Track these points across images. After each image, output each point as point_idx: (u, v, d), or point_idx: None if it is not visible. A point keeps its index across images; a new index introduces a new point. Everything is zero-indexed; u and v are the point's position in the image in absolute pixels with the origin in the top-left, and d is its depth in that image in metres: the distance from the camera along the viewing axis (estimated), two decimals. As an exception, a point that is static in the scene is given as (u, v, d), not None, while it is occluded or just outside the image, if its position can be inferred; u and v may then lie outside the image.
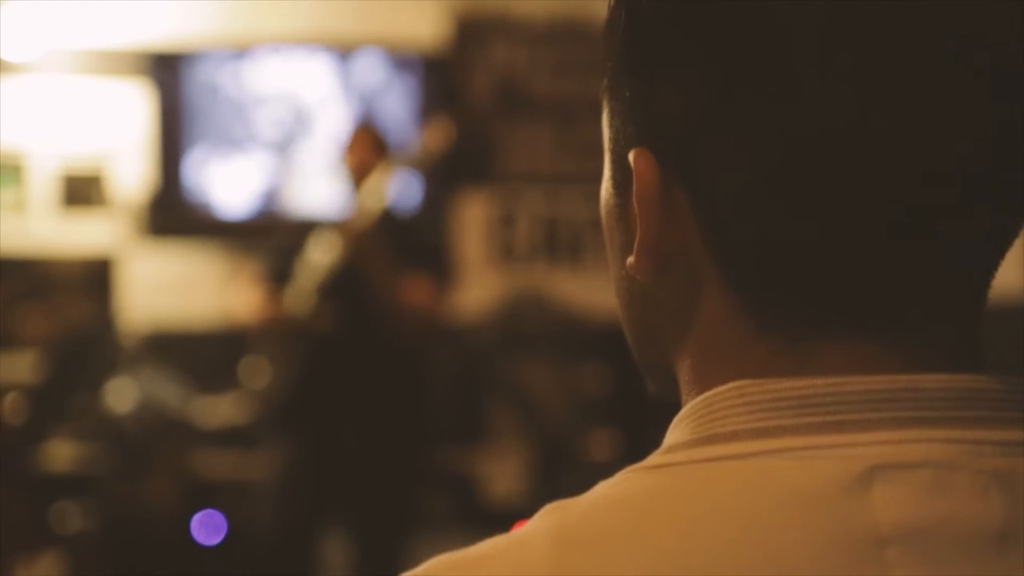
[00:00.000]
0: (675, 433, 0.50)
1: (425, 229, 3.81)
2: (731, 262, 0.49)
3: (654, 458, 0.49)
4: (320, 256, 3.34)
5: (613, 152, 0.53)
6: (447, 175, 5.12)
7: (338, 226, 3.28)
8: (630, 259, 0.51)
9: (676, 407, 0.51)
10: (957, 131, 0.45)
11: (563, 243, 5.47)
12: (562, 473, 3.67)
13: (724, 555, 0.43)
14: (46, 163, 5.08)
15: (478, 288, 4.95)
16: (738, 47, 0.46)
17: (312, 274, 3.34)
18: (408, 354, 3.36)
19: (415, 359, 3.43)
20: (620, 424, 4.76)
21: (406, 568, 0.50)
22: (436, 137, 3.24)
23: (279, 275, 3.49)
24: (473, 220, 5.33)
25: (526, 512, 0.49)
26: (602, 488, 0.48)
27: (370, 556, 3.33)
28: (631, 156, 0.50)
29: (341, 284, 3.29)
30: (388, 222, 3.28)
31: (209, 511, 4.44)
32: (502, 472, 4.77)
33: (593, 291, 5.20)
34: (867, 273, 0.47)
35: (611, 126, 0.54)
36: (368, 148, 3.38)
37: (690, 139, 0.48)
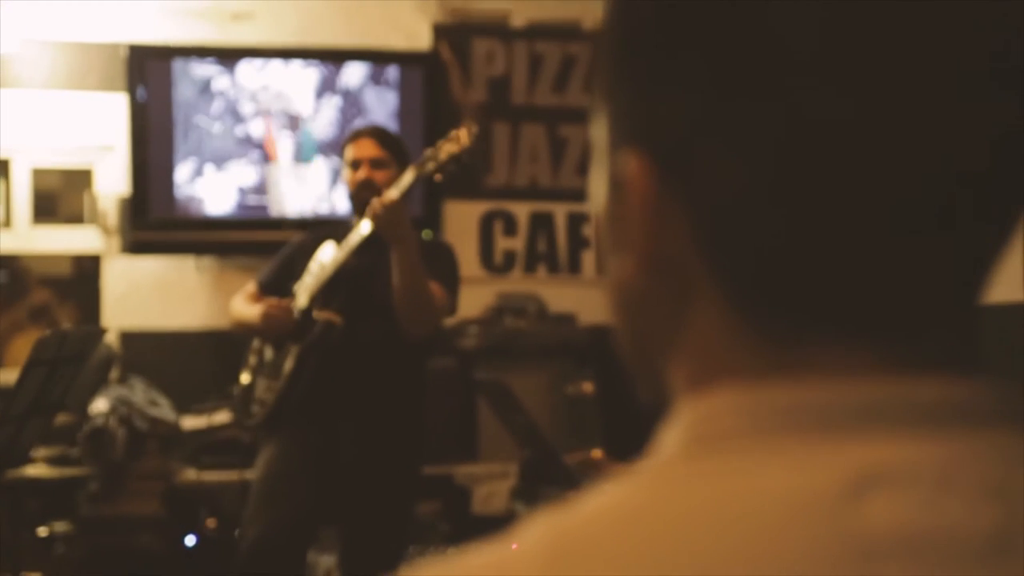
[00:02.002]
0: (666, 440, 0.49)
1: (436, 243, 3.71)
2: (725, 267, 0.48)
3: (644, 466, 0.48)
4: (329, 253, 3.32)
5: (607, 156, 0.53)
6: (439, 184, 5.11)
7: (371, 199, 3.14)
8: (623, 263, 0.51)
9: (666, 414, 0.51)
10: (954, 135, 0.45)
11: (552, 253, 5.46)
12: (551, 482, 3.67)
13: (718, 564, 0.42)
14: (28, 170, 5.06)
15: (467, 297, 4.94)
16: (735, 51, 0.46)
17: (320, 271, 3.32)
18: (416, 351, 3.32)
19: (421, 358, 3.40)
20: (609, 433, 4.75)
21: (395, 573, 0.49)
22: (455, 143, 3.15)
23: (275, 285, 3.47)
24: (462, 229, 5.32)
25: (515, 521, 0.49)
26: (593, 497, 0.47)
27: (360, 561, 3.31)
28: (625, 159, 0.50)
29: (351, 275, 3.27)
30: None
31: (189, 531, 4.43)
32: (491, 480, 4.76)
33: (583, 301, 5.20)
34: (862, 278, 0.46)
35: (605, 129, 0.53)
36: (374, 155, 3.32)
37: (686, 143, 0.47)
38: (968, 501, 0.43)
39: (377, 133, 3.40)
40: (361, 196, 3.23)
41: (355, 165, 3.33)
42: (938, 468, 0.44)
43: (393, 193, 3.12)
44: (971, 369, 0.47)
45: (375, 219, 3.08)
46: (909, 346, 0.47)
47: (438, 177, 3.17)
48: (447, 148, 3.11)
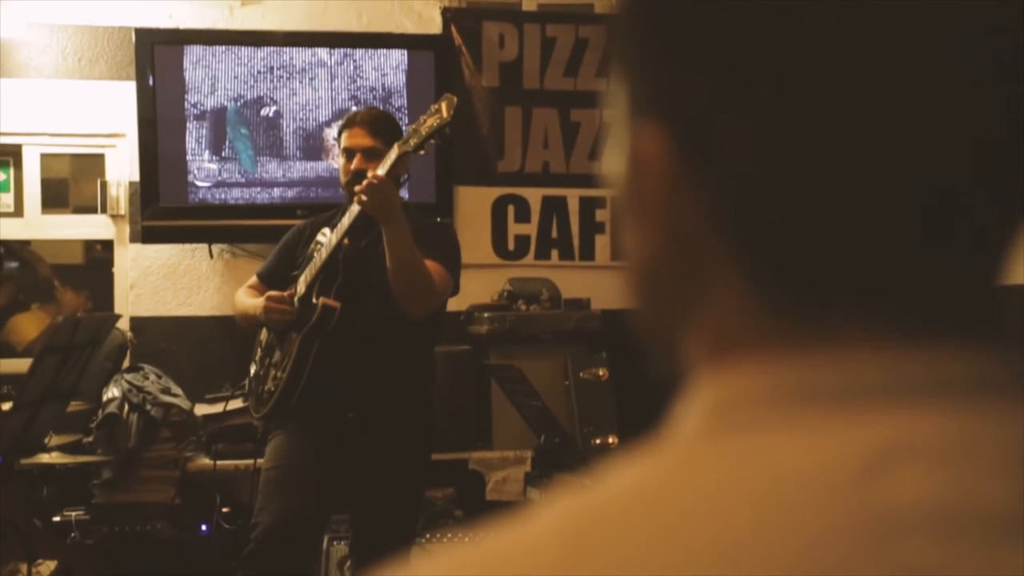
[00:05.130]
0: (685, 417, 0.49)
1: (435, 223, 3.69)
2: (742, 243, 0.49)
3: (664, 444, 0.48)
4: (324, 239, 3.32)
5: (623, 132, 0.53)
6: (448, 167, 5.10)
7: (359, 182, 3.14)
8: (640, 237, 0.51)
9: (678, 393, 0.51)
10: (967, 114, 0.45)
11: (565, 238, 5.44)
12: (565, 468, 3.67)
13: (740, 543, 0.42)
14: (39, 157, 5.06)
15: (480, 283, 4.94)
16: (754, 32, 0.46)
17: (317, 257, 3.32)
18: (419, 333, 3.30)
19: (426, 340, 3.38)
20: (624, 419, 4.75)
21: (407, 561, 0.49)
22: (436, 116, 3.12)
23: (276, 275, 3.46)
24: (474, 215, 5.31)
25: (529, 507, 0.48)
26: (613, 477, 0.47)
27: (371, 547, 3.31)
28: (644, 135, 0.50)
29: (349, 259, 3.26)
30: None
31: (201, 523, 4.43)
32: (504, 466, 4.76)
33: (596, 286, 5.18)
34: (878, 252, 0.47)
35: (622, 106, 0.53)
36: (366, 145, 3.31)
37: (704, 121, 0.48)
38: (990, 475, 0.43)
39: (368, 122, 3.36)
40: (353, 186, 3.22)
41: (348, 154, 3.32)
42: (959, 442, 0.44)
43: (379, 171, 3.11)
44: (992, 342, 0.47)
45: (363, 199, 3.08)
46: (927, 319, 0.47)
47: (423, 151, 3.15)
48: (429, 122, 3.10)
